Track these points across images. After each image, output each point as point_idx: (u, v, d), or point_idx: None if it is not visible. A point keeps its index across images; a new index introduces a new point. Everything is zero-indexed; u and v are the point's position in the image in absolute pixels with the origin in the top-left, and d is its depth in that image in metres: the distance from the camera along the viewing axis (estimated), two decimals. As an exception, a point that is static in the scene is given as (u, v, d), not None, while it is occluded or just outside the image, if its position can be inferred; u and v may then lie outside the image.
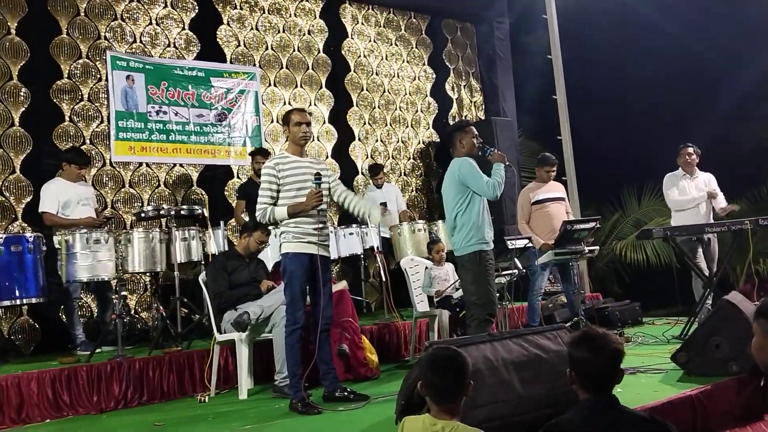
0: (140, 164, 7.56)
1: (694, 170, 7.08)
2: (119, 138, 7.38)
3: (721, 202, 6.99)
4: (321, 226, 4.64)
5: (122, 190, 7.42)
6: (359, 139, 9.40)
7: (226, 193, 8.12)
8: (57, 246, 5.76)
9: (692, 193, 7.00)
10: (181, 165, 7.83)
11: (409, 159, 9.89)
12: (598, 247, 6.65)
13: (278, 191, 4.64)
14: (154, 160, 7.63)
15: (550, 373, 3.56)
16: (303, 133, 4.73)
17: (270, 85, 8.68)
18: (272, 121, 8.62)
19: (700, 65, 10.25)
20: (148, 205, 7.32)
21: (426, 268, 6.64)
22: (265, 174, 4.67)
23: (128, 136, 7.45)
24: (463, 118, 10.46)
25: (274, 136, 8.56)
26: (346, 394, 4.71)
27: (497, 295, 5.08)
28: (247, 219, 6.80)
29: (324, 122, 9.02)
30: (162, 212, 6.25)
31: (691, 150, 7.05)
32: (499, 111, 10.34)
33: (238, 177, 8.21)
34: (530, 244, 6.67)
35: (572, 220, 6.38)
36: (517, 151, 10.10)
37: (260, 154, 7.22)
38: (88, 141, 7.22)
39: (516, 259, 6.01)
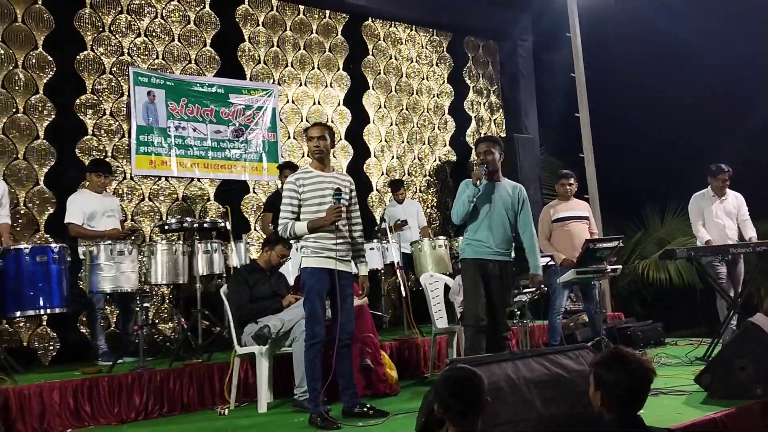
0: (159, 178, 7.66)
1: (725, 192, 7.00)
2: (140, 152, 7.48)
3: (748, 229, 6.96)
4: (341, 241, 4.66)
5: (142, 203, 7.50)
6: (375, 156, 9.43)
7: (242, 207, 8.17)
8: (82, 257, 5.82)
9: (719, 216, 6.93)
10: (198, 179, 7.92)
11: (425, 176, 9.90)
12: (620, 266, 6.58)
13: (299, 206, 4.67)
14: (172, 174, 7.72)
15: (572, 392, 3.54)
16: (315, 147, 4.76)
17: (288, 102, 8.74)
18: (289, 138, 8.67)
19: (726, 84, 10.16)
20: (168, 218, 7.37)
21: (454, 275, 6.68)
22: (287, 189, 4.70)
23: (149, 150, 7.55)
24: (482, 135, 10.46)
25: (291, 152, 8.61)
26: (365, 409, 4.69)
27: (480, 302, 4.96)
28: None
29: (340, 138, 9.05)
30: (185, 225, 6.30)
31: (727, 176, 6.95)
32: (521, 128, 10.33)
33: (254, 192, 8.28)
34: (552, 262, 6.65)
35: (594, 239, 6.34)
36: (539, 168, 10.08)
37: (288, 167, 7.25)
38: (110, 155, 7.31)
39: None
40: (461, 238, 7.69)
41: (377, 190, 9.33)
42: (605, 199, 9.18)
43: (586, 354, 3.83)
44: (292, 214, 4.66)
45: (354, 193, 4.93)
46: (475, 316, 4.92)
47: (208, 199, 7.96)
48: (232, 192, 8.14)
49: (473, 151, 10.19)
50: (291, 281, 6.10)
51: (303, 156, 8.52)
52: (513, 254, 5.26)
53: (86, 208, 6.20)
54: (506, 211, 5.12)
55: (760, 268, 6.60)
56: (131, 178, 7.46)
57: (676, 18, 10.00)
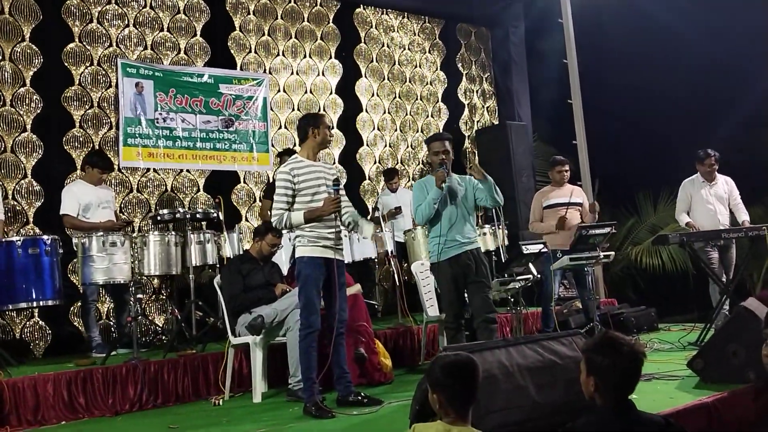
0: (148, 170, 7.61)
1: (714, 176, 7.03)
2: (127, 144, 7.42)
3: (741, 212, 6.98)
4: (338, 230, 4.66)
5: (130, 194, 7.46)
6: (367, 145, 9.40)
7: (232, 198, 8.13)
8: (75, 249, 5.81)
9: (710, 201, 6.96)
10: (188, 171, 7.87)
11: (419, 164, 9.88)
12: (613, 253, 6.60)
13: (294, 196, 4.65)
14: (160, 166, 7.67)
15: (565, 379, 3.54)
16: (331, 137, 4.93)
17: (279, 90, 8.70)
18: (280, 127, 8.63)
19: (718, 70, 10.17)
20: (158, 209, 7.34)
21: None
22: (281, 179, 4.67)
23: (136, 142, 7.49)
24: (475, 123, 10.45)
25: (282, 143, 8.56)
26: (359, 398, 4.70)
27: (455, 303, 5.03)
28: None
29: (333, 127, 9.00)
30: (178, 216, 6.28)
31: (713, 160, 6.98)
32: (513, 115, 10.30)
33: (245, 182, 8.24)
34: (545, 249, 6.66)
35: (587, 225, 6.35)
36: (531, 155, 10.07)
37: (288, 154, 7.20)
38: (97, 147, 7.25)
39: (531, 265, 5.98)
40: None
41: (369, 178, 9.31)
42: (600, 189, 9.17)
43: (579, 340, 3.83)
44: (286, 204, 4.64)
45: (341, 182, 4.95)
46: (453, 315, 5.00)
47: (198, 190, 7.92)
48: (222, 183, 8.10)
49: (467, 138, 10.29)
50: (284, 271, 6.10)
51: (294, 145, 8.47)
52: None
53: (82, 199, 6.17)
54: (464, 203, 5.11)
55: (752, 253, 6.61)
56: (119, 170, 7.41)
57: (668, 4, 9.99)
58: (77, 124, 7.20)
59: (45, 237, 5.53)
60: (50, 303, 5.57)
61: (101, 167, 6.35)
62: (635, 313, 7.41)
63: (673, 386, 4.53)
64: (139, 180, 7.54)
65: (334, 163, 8.89)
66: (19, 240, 5.39)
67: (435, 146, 5.12)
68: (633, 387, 2.60)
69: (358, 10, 9.51)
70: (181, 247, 6.19)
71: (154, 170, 7.66)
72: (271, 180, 7.84)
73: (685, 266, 10.02)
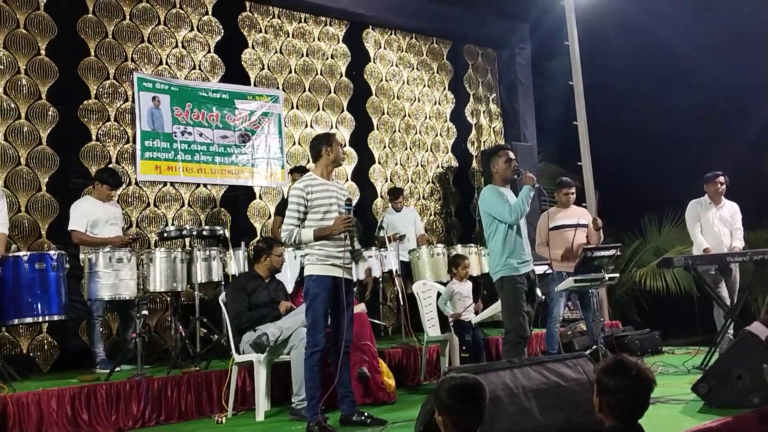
0: (164, 184, 7.66)
1: (722, 200, 7.01)
2: (145, 158, 7.49)
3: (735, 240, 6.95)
4: (347, 249, 4.68)
5: (147, 209, 7.51)
6: (379, 163, 9.46)
7: (248, 213, 8.19)
8: (82, 264, 5.84)
9: (715, 224, 6.95)
10: (204, 185, 7.93)
11: (428, 183, 9.93)
12: (618, 275, 6.59)
13: (306, 213, 4.67)
14: (178, 180, 7.72)
15: (570, 401, 3.55)
16: (344, 155, 4.87)
17: (293, 107, 8.78)
18: (294, 144, 8.70)
19: (722, 92, 10.21)
20: (172, 224, 7.41)
21: (448, 282, 6.70)
22: (295, 196, 4.68)
23: (154, 155, 7.56)
24: (482, 143, 10.51)
25: (296, 159, 8.63)
26: (363, 418, 4.69)
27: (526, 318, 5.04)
28: None
29: (345, 145, 9.07)
30: (184, 232, 6.31)
31: (722, 180, 6.97)
32: (519, 136, 10.36)
33: (260, 198, 8.29)
34: (550, 270, 6.66)
35: (592, 247, 6.35)
36: (537, 176, 10.08)
37: (299, 171, 7.23)
38: (114, 160, 7.32)
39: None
40: (459, 246, 7.83)
41: (381, 196, 9.35)
42: (603, 207, 9.19)
43: (584, 362, 3.83)
44: (297, 220, 4.65)
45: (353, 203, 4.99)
46: (521, 330, 4.94)
47: (215, 206, 7.97)
48: (238, 198, 8.16)
49: (474, 158, 10.34)
50: (289, 288, 6.10)
51: (308, 162, 8.52)
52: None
53: (90, 215, 6.21)
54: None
55: (757, 277, 6.60)
56: (136, 184, 7.47)
57: (673, 28, 10.06)
58: (94, 138, 7.26)
59: (51, 252, 5.56)
60: (56, 318, 5.58)
61: (111, 184, 6.39)
62: (639, 336, 7.39)
63: (677, 410, 4.51)
64: (155, 194, 7.58)
65: (347, 180, 8.95)
66: (26, 255, 5.42)
67: (505, 155, 5.25)
68: (641, 411, 2.62)
69: (367, 30, 9.61)
70: (187, 264, 6.21)
71: (171, 184, 7.70)
72: (285, 196, 7.88)
73: (689, 289, 9.99)
